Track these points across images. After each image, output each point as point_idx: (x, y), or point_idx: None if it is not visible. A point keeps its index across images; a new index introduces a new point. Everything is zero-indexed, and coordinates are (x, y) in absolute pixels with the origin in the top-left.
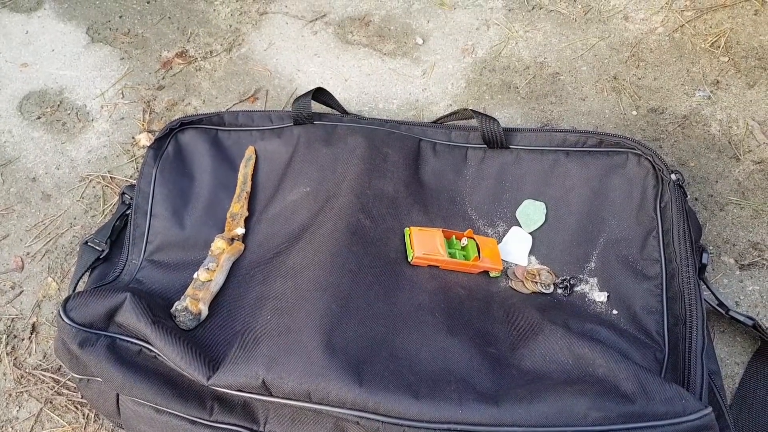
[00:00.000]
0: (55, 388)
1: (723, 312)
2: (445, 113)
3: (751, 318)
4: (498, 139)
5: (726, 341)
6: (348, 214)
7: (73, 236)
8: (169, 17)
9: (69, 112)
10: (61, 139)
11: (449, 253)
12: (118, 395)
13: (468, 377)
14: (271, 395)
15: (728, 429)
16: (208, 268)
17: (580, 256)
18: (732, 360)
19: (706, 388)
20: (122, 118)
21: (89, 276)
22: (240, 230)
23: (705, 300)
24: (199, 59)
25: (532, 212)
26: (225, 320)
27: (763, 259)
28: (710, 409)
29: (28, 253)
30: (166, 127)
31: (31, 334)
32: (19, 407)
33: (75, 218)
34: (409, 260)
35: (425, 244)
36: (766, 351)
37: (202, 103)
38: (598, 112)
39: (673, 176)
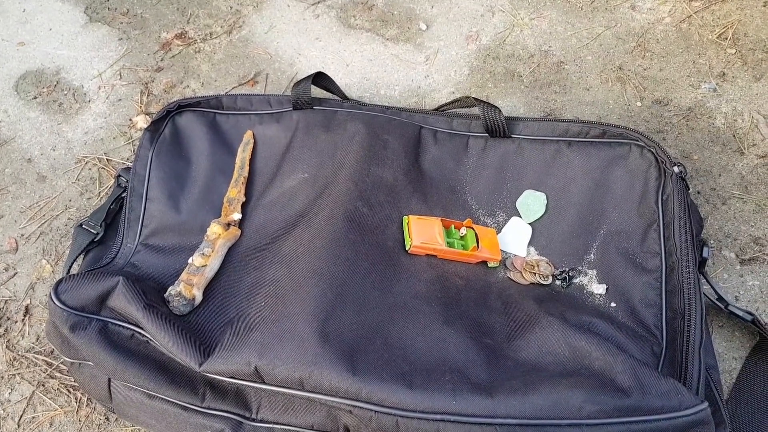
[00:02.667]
0: (48, 371)
1: (722, 306)
2: (448, 101)
3: (750, 313)
4: (500, 128)
5: (724, 336)
6: (346, 201)
7: (68, 218)
8: None
9: (66, 92)
10: (57, 119)
11: (447, 243)
12: (109, 380)
13: (463, 368)
14: (263, 382)
15: (724, 424)
16: (203, 253)
17: (579, 247)
18: (730, 355)
19: (702, 383)
20: (119, 100)
21: (83, 259)
22: (236, 215)
23: (704, 294)
24: (198, 41)
25: (532, 203)
26: (219, 306)
27: (764, 254)
28: (706, 404)
29: (22, 235)
30: (163, 109)
31: (25, 316)
32: (11, 390)
33: (70, 200)
34: (407, 249)
35: (423, 233)
36: (764, 346)
37: (200, 86)
38: (602, 102)
39: (675, 169)
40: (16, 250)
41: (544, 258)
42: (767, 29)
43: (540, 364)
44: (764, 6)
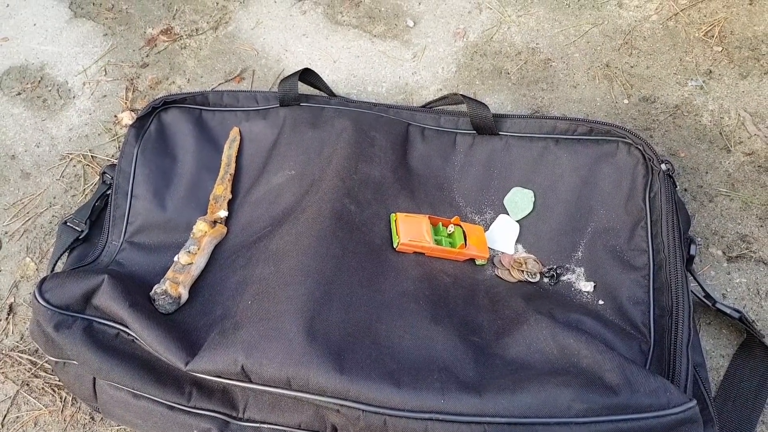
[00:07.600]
0: (32, 371)
1: (710, 304)
2: (435, 98)
3: (737, 310)
4: (487, 125)
5: (712, 333)
6: (333, 198)
7: (53, 216)
8: None
9: (50, 88)
10: (41, 116)
11: (435, 240)
12: (94, 379)
13: (451, 366)
14: (250, 382)
15: (712, 422)
16: (189, 251)
17: (567, 245)
18: (717, 352)
19: (690, 380)
20: (104, 96)
21: (68, 257)
22: (223, 213)
23: (692, 292)
24: (184, 37)
25: (520, 200)
26: (205, 304)
27: (750, 251)
28: (694, 402)
29: (6, 232)
30: (148, 105)
31: (8, 315)
32: None
33: (55, 197)
34: (395, 247)
35: (411, 230)
36: (751, 344)
37: (186, 82)
38: (589, 99)
39: (663, 166)
40: (0, 247)
41: (531, 255)
42: (753, 27)
43: (528, 363)
44: (750, 4)
